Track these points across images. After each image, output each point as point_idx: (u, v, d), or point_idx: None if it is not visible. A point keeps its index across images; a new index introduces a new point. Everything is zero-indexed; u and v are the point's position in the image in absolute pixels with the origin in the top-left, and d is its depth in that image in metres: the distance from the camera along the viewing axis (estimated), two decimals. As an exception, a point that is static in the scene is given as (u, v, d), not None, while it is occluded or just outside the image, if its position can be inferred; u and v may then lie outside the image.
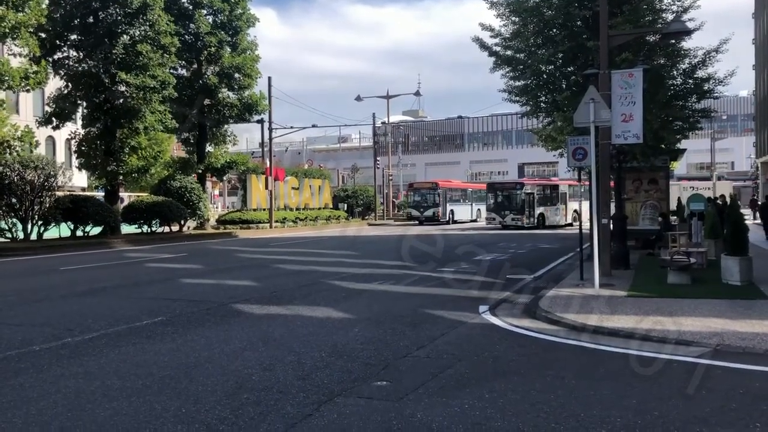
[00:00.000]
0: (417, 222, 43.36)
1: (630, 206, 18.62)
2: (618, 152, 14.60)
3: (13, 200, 22.37)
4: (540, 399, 5.19)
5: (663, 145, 17.91)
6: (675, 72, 16.62)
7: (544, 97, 16.64)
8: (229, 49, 33.60)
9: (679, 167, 54.65)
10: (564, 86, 16.08)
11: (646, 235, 18.47)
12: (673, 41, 15.12)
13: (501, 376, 5.93)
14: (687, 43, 16.55)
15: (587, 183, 14.98)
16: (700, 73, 16.46)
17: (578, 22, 15.27)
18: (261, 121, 39.02)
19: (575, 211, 38.88)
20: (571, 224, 38.55)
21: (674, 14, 15.59)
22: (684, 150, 21.47)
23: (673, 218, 19.77)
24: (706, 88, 16.66)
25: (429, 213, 43.23)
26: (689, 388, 5.51)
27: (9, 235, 22.76)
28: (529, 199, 36.08)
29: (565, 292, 10.69)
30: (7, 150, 21.76)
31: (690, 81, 16.62)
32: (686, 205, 17.51)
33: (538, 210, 36.44)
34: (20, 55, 22.15)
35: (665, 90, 15.76)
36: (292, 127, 44.02)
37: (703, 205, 16.72)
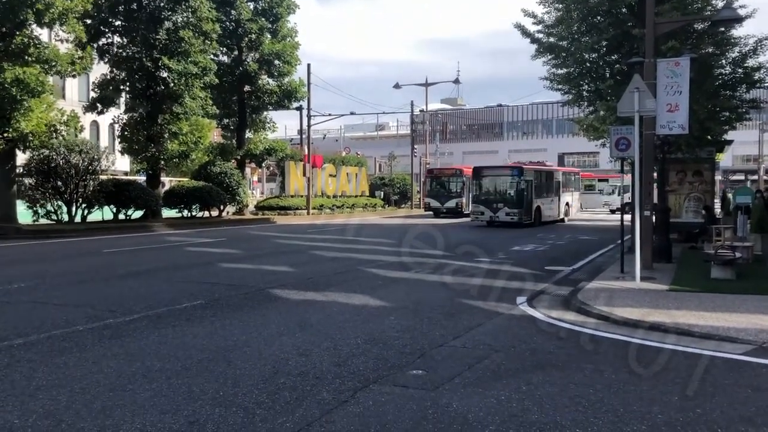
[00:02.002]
0: (433, 214, 38.13)
1: (673, 198, 18.21)
2: (662, 143, 14.27)
3: (59, 183, 23.01)
4: (578, 393, 5.11)
5: (709, 136, 17.47)
6: (723, 61, 16.17)
7: (586, 86, 16.40)
8: (269, 36, 33.78)
9: (725, 159, 53.15)
10: (607, 75, 15.81)
11: (690, 228, 18.06)
12: (723, 29, 14.70)
13: (538, 368, 5.85)
14: (737, 31, 16.10)
15: (628, 175, 14.69)
16: (751, 62, 16.00)
17: (623, 9, 14.97)
18: (300, 108, 39.27)
19: (567, 203, 34.20)
20: (562, 220, 32.93)
21: (724, 1, 15.14)
22: (731, 141, 20.90)
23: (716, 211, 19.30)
24: (756, 77, 16.21)
25: (451, 204, 37.63)
26: (734, 385, 5.37)
27: (54, 217, 23.47)
28: (528, 188, 28.84)
29: (604, 284, 10.51)
30: (54, 134, 22.30)
31: (739, 70, 16.17)
32: (732, 198, 17.04)
33: (536, 203, 29.47)
34: (66, 40, 22.61)
35: (713, 79, 15.37)
36: (330, 115, 44.13)
37: (750, 198, 16.26)
